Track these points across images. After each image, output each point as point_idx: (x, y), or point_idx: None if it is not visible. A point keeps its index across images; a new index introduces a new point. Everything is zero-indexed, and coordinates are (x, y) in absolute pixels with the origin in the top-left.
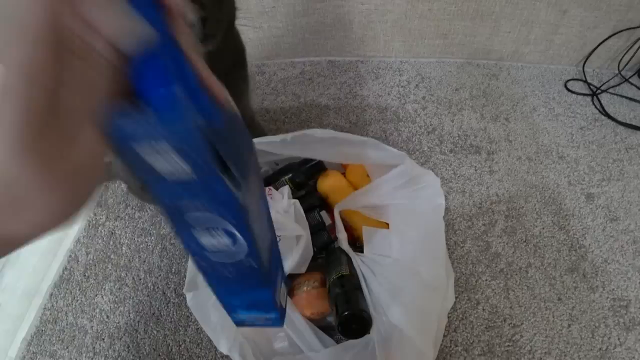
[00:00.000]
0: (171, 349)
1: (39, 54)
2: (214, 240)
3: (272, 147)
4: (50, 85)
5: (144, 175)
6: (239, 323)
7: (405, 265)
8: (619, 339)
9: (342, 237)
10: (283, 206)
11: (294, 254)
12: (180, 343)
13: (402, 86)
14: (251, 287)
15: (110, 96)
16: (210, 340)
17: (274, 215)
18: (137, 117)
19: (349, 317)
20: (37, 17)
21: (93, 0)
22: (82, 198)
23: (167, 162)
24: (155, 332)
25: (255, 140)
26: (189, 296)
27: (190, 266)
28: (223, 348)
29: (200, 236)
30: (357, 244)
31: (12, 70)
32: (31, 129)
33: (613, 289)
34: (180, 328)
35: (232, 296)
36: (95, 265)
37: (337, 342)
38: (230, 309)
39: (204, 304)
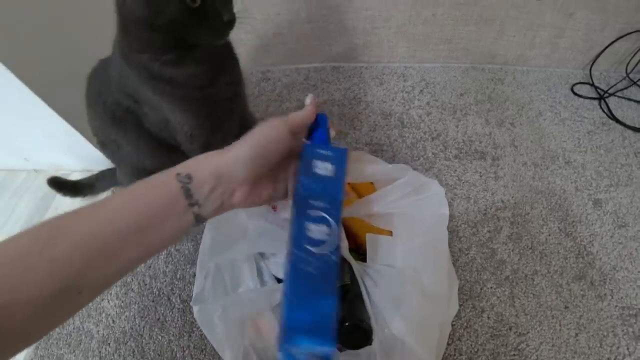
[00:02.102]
0: (175, 355)
1: (280, 134)
2: (318, 228)
3: None
4: (274, 150)
5: (304, 175)
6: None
7: (408, 275)
8: (628, 348)
9: (343, 245)
10: (286, 216)
11: None
12: (185, 349)
13: (406, 92)
14: (322, 291)
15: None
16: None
17: (277, 226)
18: (326, 157)
19: (349, 327)
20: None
21: (301, 129)
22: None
23: (325, 168)
24: (160, 337)
25: None
26: (195, 309)
27: (198, 280)
28: (227, 358)
29: (310, 225)
30: (359, 252)
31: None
32: (257, 159)
33: (622, 297)
34: (185, 334)
35: (300, 308)
36: None
37: (339, 351)
38: (288, 332)
39: (210, 317)
